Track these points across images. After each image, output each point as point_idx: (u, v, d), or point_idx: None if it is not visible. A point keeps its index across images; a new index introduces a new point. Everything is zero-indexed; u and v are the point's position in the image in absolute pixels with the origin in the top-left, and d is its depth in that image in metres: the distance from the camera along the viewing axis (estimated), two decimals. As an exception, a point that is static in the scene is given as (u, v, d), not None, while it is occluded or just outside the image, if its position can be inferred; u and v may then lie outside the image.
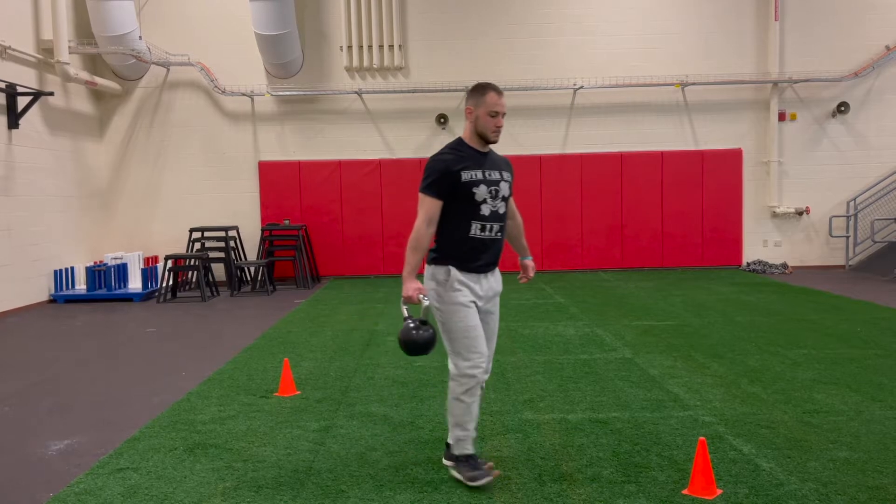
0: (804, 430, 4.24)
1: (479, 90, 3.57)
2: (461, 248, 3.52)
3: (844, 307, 8.56)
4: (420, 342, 3.42)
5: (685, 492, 3.43)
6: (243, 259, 12.05)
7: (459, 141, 3.63)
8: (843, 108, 12.46)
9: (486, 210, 3.52)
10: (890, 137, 12.55)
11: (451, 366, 3.55)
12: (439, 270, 3.53)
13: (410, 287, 3.45)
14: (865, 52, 12.41)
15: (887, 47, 12.30)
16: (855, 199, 12.50)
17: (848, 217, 12.53)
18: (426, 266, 3.63)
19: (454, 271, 3.50)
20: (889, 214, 12.37)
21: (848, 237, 12.56)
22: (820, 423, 4.36)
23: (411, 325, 3.44)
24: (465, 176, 3.48)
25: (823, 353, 6.21)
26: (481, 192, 3.50)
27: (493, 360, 6.11)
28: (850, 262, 12.60)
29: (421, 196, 3.52)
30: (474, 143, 3.60)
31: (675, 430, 4.28)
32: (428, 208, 3.49)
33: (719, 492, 3.42)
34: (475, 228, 3.52)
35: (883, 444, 3.99)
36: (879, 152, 12.57)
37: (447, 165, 3.49)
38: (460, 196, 3.49)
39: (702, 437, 3.46)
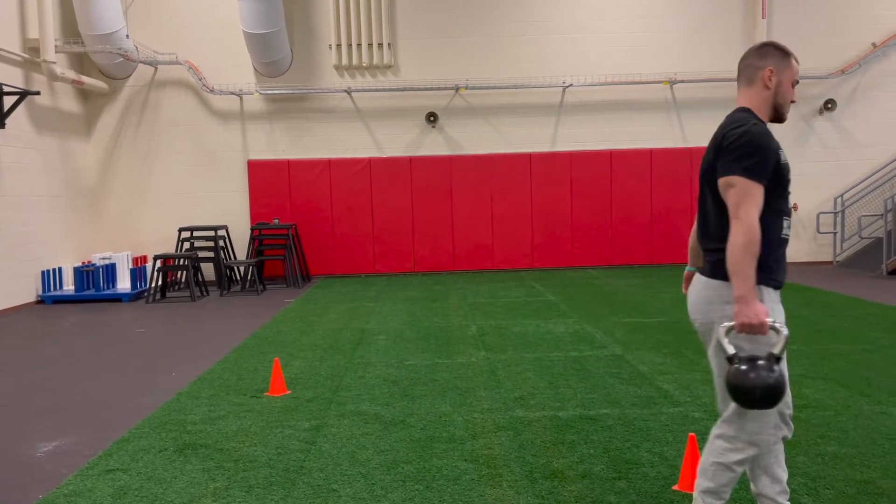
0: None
1: (783, 51, 2.65)
2: (774, 254, 2.59)
3: (832, 303, 8.62)
4: (779, 388, 2.42)
5: (675, 488, 3.44)
6: (233, 258, 12.01)
7: (752, 113, 2.65)
8: (829, 106, 12.54)
9: (790, 203, 2.69)
10: (876, 134, 12.65)
11: (726, 427, 2.63)
12: None
13: (760, 310, 2.41)
14: (852, 50, 12.49)
15: (874, 44, 12.39)
16: (842, 196, 12.59)
17: (835, 213, 12.62)
18: (713, 283, 2.63)
19: (768, 292, 2.57)
20: (876, 210, 12.47)
21: (835, 233, 12.65)
22: (808, 418, 4.39)
23: (744, 366, 2.43)
24: (783, 157, 2.59)
25: (812, 348, 6.26)
26: (789, 179, 2.66)
27: (486, 359, 6.15)
28: (838, 258, 12.69)
29: (742, 182, 2.49)
30: (764, 118, 2.67)
31: (665, 427, 4.31)
32: (758, 197, 2.49)
33: (709, 487, 3.44)
34: (786, 227, 2.64)
35: (871, 439, 4.02)
36: (866, 149, 12.66)
37: (772, 142, 2.53)
38: (778, 184, 2.59)
39: (691, 433, 3.48)
